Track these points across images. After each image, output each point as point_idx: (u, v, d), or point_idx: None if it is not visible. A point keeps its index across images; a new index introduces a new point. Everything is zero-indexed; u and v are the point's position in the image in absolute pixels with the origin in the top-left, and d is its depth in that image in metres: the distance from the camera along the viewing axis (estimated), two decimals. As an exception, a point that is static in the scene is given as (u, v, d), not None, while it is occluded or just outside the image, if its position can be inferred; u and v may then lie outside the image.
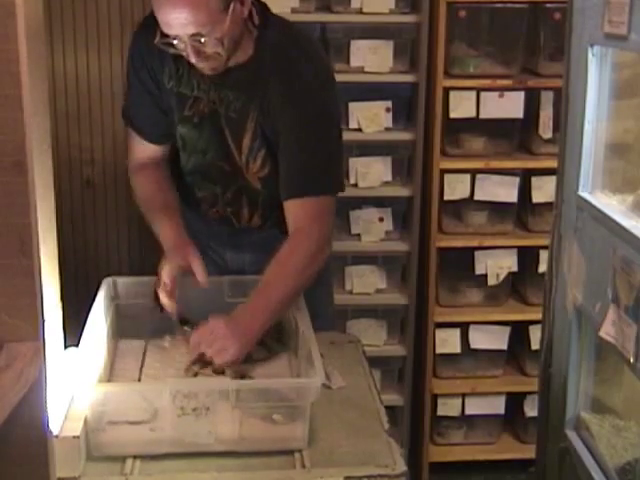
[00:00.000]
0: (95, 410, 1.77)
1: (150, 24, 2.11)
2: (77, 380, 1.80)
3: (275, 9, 2.57)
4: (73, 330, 1.98)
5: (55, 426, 1.71)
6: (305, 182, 2.20)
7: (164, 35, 2.06)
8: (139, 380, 2.01)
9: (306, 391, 1.80)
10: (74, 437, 1.71)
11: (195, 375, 2.01)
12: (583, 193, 1.93)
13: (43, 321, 1.22)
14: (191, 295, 2.24)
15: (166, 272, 2.17)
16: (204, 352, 2.00)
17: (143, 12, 3.42)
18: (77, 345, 1.94)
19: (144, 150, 2.39)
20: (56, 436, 1.68)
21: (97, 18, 3.42)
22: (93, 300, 2.12)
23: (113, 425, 1.79)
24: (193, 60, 2.08)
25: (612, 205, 1.84)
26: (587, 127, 1.92)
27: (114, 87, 3.49)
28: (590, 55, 1.87)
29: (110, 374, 2.08)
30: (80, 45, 3.45)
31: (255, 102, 2.20)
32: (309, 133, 2.19)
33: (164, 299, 2.15)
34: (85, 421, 1.76)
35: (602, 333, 1.74)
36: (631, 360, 1.63)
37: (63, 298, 1.86)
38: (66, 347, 1.96)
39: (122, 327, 2.25)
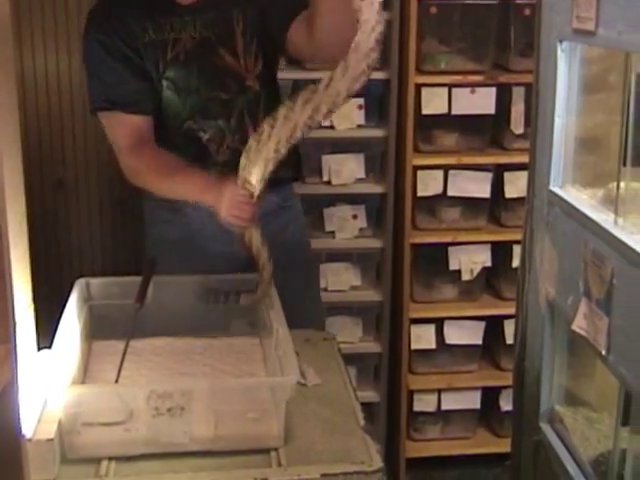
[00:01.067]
0: (69, 412, 1.76)
1: (104, 8, 2.39)
2: (50, 382, 1.79)
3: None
4: (46, 332, 1.97)
5: (28, 429, 1.70)
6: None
7: None
8: (116, 381, 2.00)
9: (281, 389, 1.80)
10: (48, 440, 1.71)
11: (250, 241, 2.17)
12: (554, 188, 1.94)
13: (14, 323, 1.21)
14: (163, 295, 2.23)
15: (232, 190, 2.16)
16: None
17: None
18: (50, 347, 1.93)
19: (134, 128, 2.38)
20: (29, 439, 1.67)
21: (66, 17, 3.41)
22: (66, 301, 2.11)
23: (88, 427, 1.78)
24: None
25: (583, 199, 1.85)
26: (557, 122, 1.92)
27: (84, 85, 3.47)
28: (559, 50, 1.88)
29: (85, 376, 2.07)
30: (50, 44, 3.43)
31: (232, 4, 2.39)
32: None
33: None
34: (59, 423, 1.75)
35: (574, 326, 1.75)
36: (603, 353, 1.64)
37: (35, 300, 1.85)
38: (39, 349, 1.95)
39: (96, 328, 2.24)
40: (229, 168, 2.27)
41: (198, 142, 2.44)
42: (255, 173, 2.11)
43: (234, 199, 2.16)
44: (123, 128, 2.39)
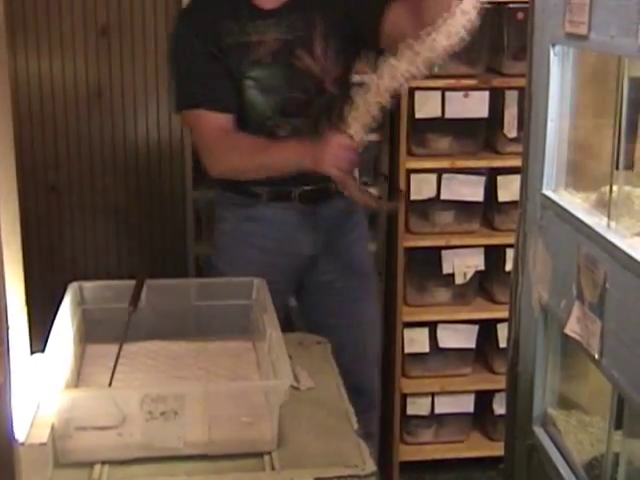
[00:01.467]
0: (62, 416, 1.76)
1: (192, 8, 2.54)
2: (43, 386, 1.79)
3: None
4: (39, 336, 1.97)
5: (21, 433, 1.69)
6: None
7: None
8: (110, 385, 2.00)
9: (274, 393, 1.80)
10: (41, 444, 1.70)
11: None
12: (547, 191, 1.95)
13: (7, 327, 1.21)
14: (156, 299, 2.23)
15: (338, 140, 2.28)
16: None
17: (107, 16, 3.41)
18: (43, 351, 1.92)
19: (220, 124, 2.47)
20: (22, 443, 1.66)
21: (60, 22, 3.41)
22: (59, 305, 2.10)
23: (81, 431, 1.78)
24: None
25: (576, 203, 1.85)
26: (550, 126, 1.93)
27: (78, 91, 3.47)
28: (552, 54, 1.88)
29: (78, 380, 2.07)
30: (43, 48, 3.43)
31: (314, 8, 2.47)
32: None
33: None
34: (52, 427, 1.75)
35: (567, 330, 1.75)
36: (596, 356, 1.64)
37: (28, 303, 1.85)
38: (32, 353, 1.95)
39: (89, 332, 2.23)
40: (302, 172, 2.45)
41: (275, 139, 2.50)
42: (361, 122, 2.23)
43: (338, 149, 2.27)
44: (209, 124, 2.47)
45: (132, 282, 2.21)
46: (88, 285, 2.27)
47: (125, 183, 3.60)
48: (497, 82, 3.20)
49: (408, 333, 3.32)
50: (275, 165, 2.44)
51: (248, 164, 2.48)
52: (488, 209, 3.35)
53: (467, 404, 3.43)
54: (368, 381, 2.86)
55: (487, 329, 3.36)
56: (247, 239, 2.62)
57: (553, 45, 1.88)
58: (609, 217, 1.66)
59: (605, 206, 1.70)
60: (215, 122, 2.47)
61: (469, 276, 3.32)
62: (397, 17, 2.39)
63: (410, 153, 3.23)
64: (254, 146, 2.46)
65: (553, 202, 1.90)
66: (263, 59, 2.48)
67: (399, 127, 3.18)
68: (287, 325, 2.71)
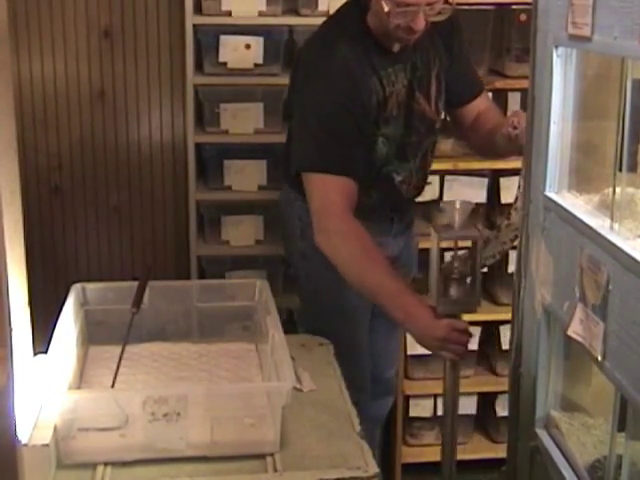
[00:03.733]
0: (65, 417, 1.76)
1: (337, 62, 2.33)
2: (46, 387, 1.79)
3: (242, 12, 2.58)
4: (42, 337, 1.97)
5: (24, 434, 1.70)
6: (480, 81, 2.70)
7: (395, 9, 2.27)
8: (112, 386, 2.00)
9: (277, 394, 1.80)
10: (43, 445, 1.70)
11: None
12: (550, 193, 1.94)
13: (10, 328, 1.21)
14: (159, 300, 2.24)
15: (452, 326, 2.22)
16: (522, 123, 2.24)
17: (110, 19, 3.42)
18: (46, 352, 1.93)
19: (346, 192, 2.32)
20: (25, 444, 1.67)
21: (63, 23, 3.41)
22: (62, 306, 2.11)
23: (83, 432, 1.78)
24: (419, 27, 2.30)
25: (579, 205, 1.85)
26: (553, 127, 1.93)
27: (81, 92, 3.48)
28: (555, 56, 1.88)
29: (81, 381, 2.07)
30: (46, 50, 3.43)
31: (430, 48, 2.51)
32: (467, 48, 2.66)
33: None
34: (55, 429, 1.75)
35: (570, 332, 1.74)
36: (599, 358, 1.64)
37: (31, 305, 1.85)
38: (35, 354, 1.95)
39: (92, 333, 2.24)
40: (411, 203, 2.66)
41: (391, 183, 2.54)
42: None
43: (450, 335, 2.21)
44: (335, 191, 2.31)
45: (135, 283, 2.21)
46: (91, 286, 2.27)
47: (128, 184, 3.60)
48: (500, 84, 3.20)
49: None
50: (370, 295, 2.32)
51: (348, 272, 2.30)
52: (491, 211, 3.34)
53: (470, 406, 3.43)
54: (390, 369, 2.95)
55: (490, 331, 3.35)
56: None
57: (556, 47, 1.87)
58: (612, 219, 1.66)
59: (608, 208, 1.69)
60: (341, 188, 2.32)
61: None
62: (464, 118, 2.64)
63: (465, 139, 3.21)
64: (364, 262, 2.27)
65: (556, 204, 1.90)
66: (393, 112, 2.46)
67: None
68: (290, 327, 2.72)
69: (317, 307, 2.63)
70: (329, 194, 2.32)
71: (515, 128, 2.26)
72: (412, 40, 2.37)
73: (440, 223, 2.18)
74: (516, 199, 2.26)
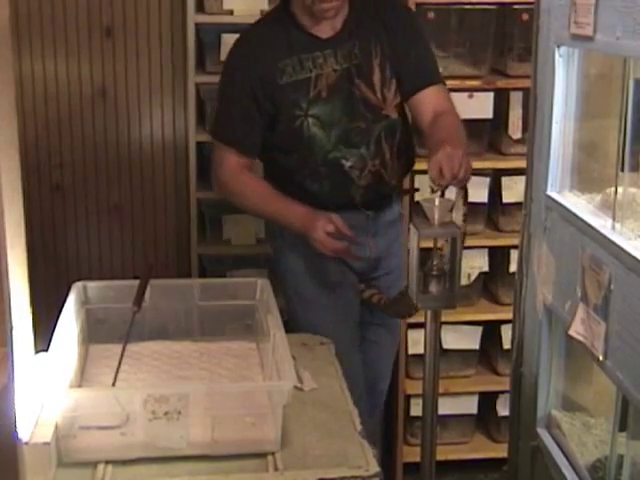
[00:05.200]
0: (66, 416, 1.76)
1: (246, 43, 2.52)
2: (47, 385, 1.79)
3: (244, 10, 2.58)
4: (43, 335, 1.97)
5: (25, 433, 1.70)
6: (434, 71, 2.62)
7: None
8: (113, 385, 2.00)
9: (278, 393, 1.80)
10: (44, 443, 1.70)
11: (370, 297, 2.45)
12: (552, 193, 1.95)
13: (11, 327, 1.21)
14: (160, 299, 2.23)
15: (326, 222, 2.42)
16: (450, 175, 2.14)
17: (112, 17, 3.42)
18: (47, 350, 1.93)
19: (239, 162, 2.56)
20: (26, 443, 1.67)
21: (65, 23, 3.41)
22: (63, 305, 2.11)
23: (84, 430, 1.78)
24: None
25: (580, 204, 1.85)
26: (555, 127, 1.93)
27: (83, 91, 3.47)
28: (557, 55, 1.88)
29: (81, 379, 2.07)
30: (48, 49, 3.43)
31: (371, 38, 2.52)
32: (422, 38, 2.63)
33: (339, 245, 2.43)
34: (56, 427, 1.75)
35: (572, 332, 1.75)
36: (600, 358, 1.64)
37: (32, 303, 1.84)
38: (36, 352, 1.95)
39: (93, 332, 2.24)
40: (370, 190, 2.59)
41: (341, 169, 2.56)
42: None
43: (324, 236, 2.42)
44: (228, 160, 2.56)
45: (136, 282, 2.21)
46: (92, 285, 2.27)
47: (129, 183, 3.60)
48: (502, 83, 3.20)
49: (412, 334, 3.32)
50: (275, 219, 2.60)
51: (252, 208, 2.63)
52: (492, 210, 3.34)
53: (471, 405, 3.43)
54: (384, 381, 2.95)
55: (491, 330, 3.35)
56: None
57: (558, 46, 1.88)
58: (614, 219, 1.66)
59: (610, 208, 1.69)
60: (236, 161, 2.55)
61: (473, 277, 3.31)
62: (419, 112, 2.57)
63: (422, 144, 3.21)
64: (262, 193, 2.56)
65: (558, 203, 1.90)
66: (322, 94, 2.50)
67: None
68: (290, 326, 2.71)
69: (300, 305, 2.66)
70: (220, 160, 2.57)
71: (438, 184, 2.17)
72: (331, 10, 2.43)
73: (420, 221, 2.18)
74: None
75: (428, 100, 2.56)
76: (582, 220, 1.76)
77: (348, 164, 2.55)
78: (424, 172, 3.20)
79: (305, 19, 2.49)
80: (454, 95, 3.15)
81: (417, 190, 3.00)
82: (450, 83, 3.12)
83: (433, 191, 2.15)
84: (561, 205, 1.88)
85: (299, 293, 2.66)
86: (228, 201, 2.66)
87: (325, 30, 2.51)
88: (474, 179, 3.20)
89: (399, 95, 2.58)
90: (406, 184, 3.06)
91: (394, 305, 2.39)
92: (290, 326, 2.53)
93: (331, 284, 2.66)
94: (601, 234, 1.66)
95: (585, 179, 1.94)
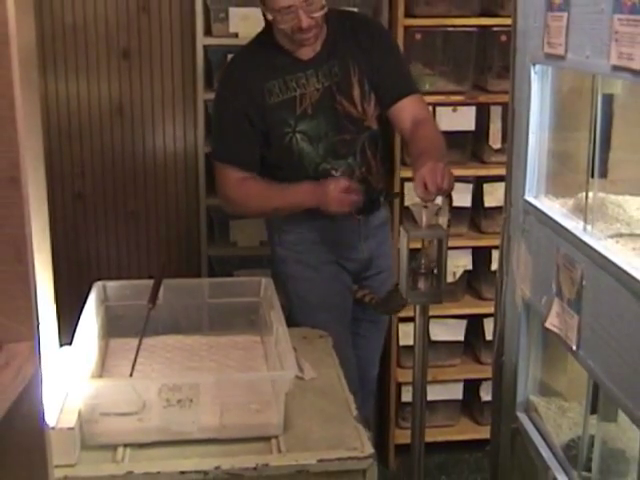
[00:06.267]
0: (88, 403, 1.76)
1: (234, 68, 2.54)
2: (71, 376, 1.79)
3: (248, 33, 2.59)
4: (67, 330, 1.97)
5: (51, 418, 1.70)
6: (410, 82, 2.63)
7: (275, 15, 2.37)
8: (131, 375, 2.00)
9: (281, 382, 1.80)
10: (69, 428, 1.70)
11: (362, 297, 2.48)
12: (529, 197, 1.95)
13: (38, 323, 1.21)
14: (172, 296, 2.24)
15: (335, 183, 2.44)
16: (434, 188, 2.11)
17: (128, 41, 3.42)
18: (71, 344, 1.93)
19: (239, 177, 2.54)
20: (52, 428, 1.67)
21: (86, 45, 3.41)
22: (85, 302, 2.11)
23: (105, 417, 1.78)
24: (304, 24, 2.35)
25: (555, 208, 1.85)
26: (531, 137, 1.93)
27: (102, 107, 3.48)
28: (532, 73, 1.88)
29: (102, 370, 2.07)
30: (71, 70, 3.43)
31: (349, 56, 2.52)
32: (396, 52, 2.67)
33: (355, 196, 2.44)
34: (79, 413, 1.75)
35: (548, 324, 1.75)
36: (574, 348, 1.64)
37: (57, 301, 1.85)
38: (61, 346, 1.95)
39: (112, 327, 2.24)
40: (375, 206, 2.65)
41: (330, 178, 2.54)
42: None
43: (339, 193, 2.42)
44: (229, 177, 2.55)
45: (151, 281, 2.21)
46: (111, 284, 2.27)
47: (144, 191, 3.60)
48: (483, 98, 3.20)
49: (402, 327, 3.32)
50: (287, 208, 2.54)
51: (262, 210, 2.60)
52: (475, 214, 3.34)
53: (456, 392, 3.42)
54: (374, 368, 2.96)
55: (475, 323, 3.35)
56: (316, 247, 2.65)
57: (534, 64, 1.88)
58: (585, 221, 1.67)
59: (582, 211, 1.70)
60: (236, 176, 2.54)
61: (458, 275, 3.31)
62: (399, 121, 2.56)
63: (404, 163, 3.22)
64: (266, 192, 2.54)
65: (534, 207, 1.90)
66: (307, 111, 2.50)
67: (393, 139, 3.17)
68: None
69: (299, 306, 2.65)
70: (222, 179, 2.57)
71: (424, 199, 2.13)
72: (310, 38, 2.42)
73: (409, 224, 2.18)
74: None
75: (406, 109, 2.55)
76: (556, 222, 1.76)
77: (337, 174, 2.55)
78: (410, 179, 3.22)
79: (287, 44, 2.48)
80: (440, 109, 3.17)
81: (398, 194, 3.02)
82: (436, 98, 3.14)
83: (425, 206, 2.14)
84: (537, 209, 1.88)
85: (300, 297, 2.65)
86: (242, 215, 2.66)
87: (306, 52, 2.50)
88: (459, 185, 3.23)
89: (378, 107, 2.57)
90: (395, 187, 3.07)
91: (386, 303, 2.39)
92: (290, 324, 2.53)
93: (328, 287, 2.66)
94: (574, 235, 1.66)
95: (559, 185, 1.95)
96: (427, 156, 2.24)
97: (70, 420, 1.73)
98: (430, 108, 3.13)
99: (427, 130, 2.49)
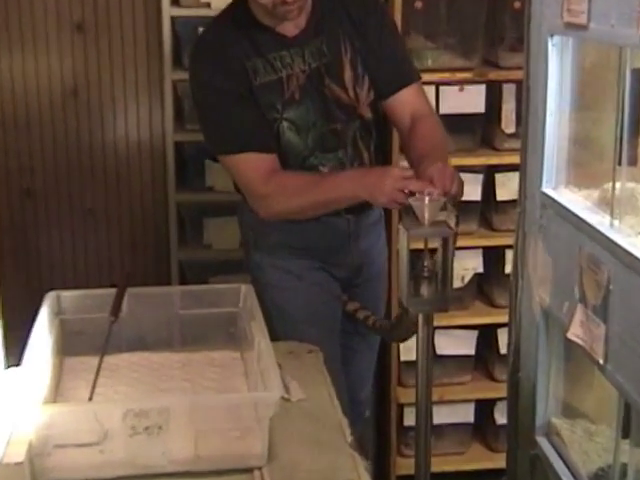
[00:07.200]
0: (40, 433, 1.75)
1: (210, 45, 2.49)
2: (20, 402, 1.78)
3: (222, 3, 2.59)
4: (15, 348, 1.96)
5: (-3, 451, 1.69)
6: (410, 69, 2.61)
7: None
8: (90, 399, 1.99)
9: (264, 405, 1.80)
10: (17, 464, 1.69)
11: (354, 312, 2.50)
12: (547, 189, 1.95)
13: (-20, 340, 1.21)
14: (138, 308, 2.23)
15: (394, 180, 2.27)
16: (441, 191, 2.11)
17: (82, 11, 3.41)
18: (19, 364, 1.92)
19: (263, 164, 2.46)
20: (-1, 462, 1.66)
21: (32, 17, 3.41)
22: (36, 316, 2.10)
23: (60, 449, 1.77)
24: None
25: (577, 201, 1.86)
26: (549, 120, 1.93)
27: (53, 90, 3.47)
28: (550, 45, 1.89)
29: (56, 394, 2.06)
30: (15, 46, 3.42)
31: (339, 33, 2.50)
32: (394, 30, 2.64)
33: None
34: (29, 445, 1.74)
35: (570, 334, 1.75)
36: (600, 362, 1.65)
37: (3, 314, 1.84)
38: (7, 367, 1.94)
39: (68, 344, 2.23)
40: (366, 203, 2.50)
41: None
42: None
43: (397, 181, 2.24)
44: (255, 168, 2.45)
45: (113, 290, 2.21)
46: (66, 294, 2.26)
47: (104, 186, 3.60)
48: (494, 75, 3.21)
49: (404, 340, 3.33)
50: (330, 201, 2.45)
51: (301, 205, 2.47)
52: (486, 209, 3.35)
53: (467, 414, 3.43)
54: (365, 389, 2.95)
55: (487, 334, 3.36)
56: (298, 251, 2.63)
57: (551, 35, 1.88)
58: (612, 215, 1.67)
59: (608, 204, 1.70)
60: (261, 164, 2.46)
61: (467, 279, 3.32)
62: (396, 118, 2.57)
63: (402, 151, 3.22)
64: (305, 185, 2.47)
65: (553, 200, 1.91)
66: (295, 96, 2.48)
67: (389, 128, 3.17)
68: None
69: (280, 320, 2.61)
70: (244, 173, 2.48)
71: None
72: (294, 11, 2.39)
73: (409, 220, 2.18)
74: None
75: (405, 103, 2.55)
76: (579, 217, 1.76)
77: (326, 169, 2.54)
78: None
79: (266, 19, 2.46)
80: (444, 89, 3.18)
81: None
82: (439, 76, 3.15)
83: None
84: (557, 202, 1.89)
85: (279, 308, 2.62)
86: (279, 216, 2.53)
87: (289, 28, 2.48)
88: (467, 176, 3.22)
89: (373, 93, 2.56)
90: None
91: (394, 328, 2.39)
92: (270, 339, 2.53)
93: (313, 297, 2.64)
94: (599, 232, 1.66)
95: (582, 174, 1.95)
96: (430, 159, 2.25)
97: (18, 453, 1.72)
98: (433, 87, 3.15)
99: (429, 128, 2.50)
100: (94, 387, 2.01)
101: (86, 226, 3.62)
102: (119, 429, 1.75)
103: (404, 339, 2.53)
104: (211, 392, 2.07)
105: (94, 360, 2.08)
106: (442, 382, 3.39)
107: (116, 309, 2.15)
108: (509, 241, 2.46)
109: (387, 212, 3.26)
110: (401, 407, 3.39)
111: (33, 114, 3.49)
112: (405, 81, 2.56)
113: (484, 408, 3.43)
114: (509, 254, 3.07)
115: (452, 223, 2.14)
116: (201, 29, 3.08)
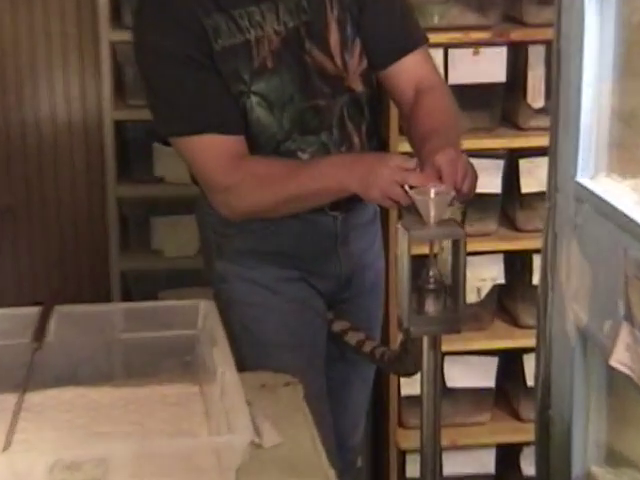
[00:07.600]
0: (-55, 491, 1.76)
1: (154, 3, 2.49)
2: None
3: None
4: None
5: None
6: (414, 30, 2.61)
7: None
8: (7, 449, 2.00)
9: (229, 452, 1.81)
10: None
11: (343, 333, 2.55)
12: (583, 179, 1.97)
13: None
14: (69, 331, 2.24)
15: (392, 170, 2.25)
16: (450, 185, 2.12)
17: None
18: None
19: (225, 149, 2.45)
20: None
21: (12, 13, 3.42)
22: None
23: (-30, 510, 1.78)
24: None
25: (622, 193, 1.87)
26: (586, 91, 1.95)
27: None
28: (587, -2, 1.91)
29: (-35, 441, 2.07)
30: None
31: None
32: None
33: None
34: None
35: (613, 361, 1.77)
36: (652, 395, 1.66)
37: None
38: None
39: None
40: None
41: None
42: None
43: (397, 173, 2.22)
44: (213, 153, 2.46)
45: (37, 309, 2.21)
46: (-23, 315, 2.27)
47: (24, 179, 3.60)
48: (517, 35, 3.23)
49: (406, 370, 3.34)
50: (311, 195, 2.43)
51: (275, 200, 2.46)
52: (508, 203, 3.37)
53: (486, 462, 3.45)
54: (356, 434, 2.95)
55: (510, 362, 3.38)
56: (272, 258, 2.63)
57: (589, -16, 1.90)
58: (665, 211, 1.69)
59: (660, 197, 1.72)
60: (224, 149, 2.45)
61: (485, 292, 3.34)
62: (396, 91, 2.60)
63: (403, 132, 3.23)
64: (279, 174, 2.46)
65: (591, 193, 1.92)
66: (267, 64, 2.47)
67: (388, 100, 3.19)
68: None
69: (250, 346, 2.61)
70: (203, 160, 2.48)
71: None
72: None
73: (411, 219, 2.19)
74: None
75: (408, 74, 2.55)
76: (624, 214, 1.78)
77: (305, 156, 2.53)
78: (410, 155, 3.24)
79: None
80: (455, 52, 3.20)
81: None
82: (449, 37, 3.17)
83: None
84: (595, 195, 1.90)
85: (248, 329, 2.62)
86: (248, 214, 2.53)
87: None
88: (483, 162, 3.26)
89: (365, 61, 2.56)
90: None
91: (399, 360, 2.39)
92: (238, 369, 2.53)
93: (291, 315, 2.63)
94: (649, 232, 1.68)
95: (627, 160, 1.97)
96: (438, 139, 2.26)
97: None
98: (440, 51, 3.17)
99: (437, 101, 2.51)
100: (12, 432, 2.02)
101: (3, 228, 3.62)
102: (45, 484, 1.76)
103: (412, 373, 2.45)
104: (162, 437, 2.08)
105: (12, 398, 2.08)
106: (454, 422, 3.40)
107: (40, 333, 2.16)
108: (537, 244, 2.48)
109: (384, 209, 3.28)
110: (403, 454, 3.41)
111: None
112: (408, 46, 2.56)
113: (507, 455, 3.45)
114: (537, 260, 3.08)
115: (458, 215, 2.16)
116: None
